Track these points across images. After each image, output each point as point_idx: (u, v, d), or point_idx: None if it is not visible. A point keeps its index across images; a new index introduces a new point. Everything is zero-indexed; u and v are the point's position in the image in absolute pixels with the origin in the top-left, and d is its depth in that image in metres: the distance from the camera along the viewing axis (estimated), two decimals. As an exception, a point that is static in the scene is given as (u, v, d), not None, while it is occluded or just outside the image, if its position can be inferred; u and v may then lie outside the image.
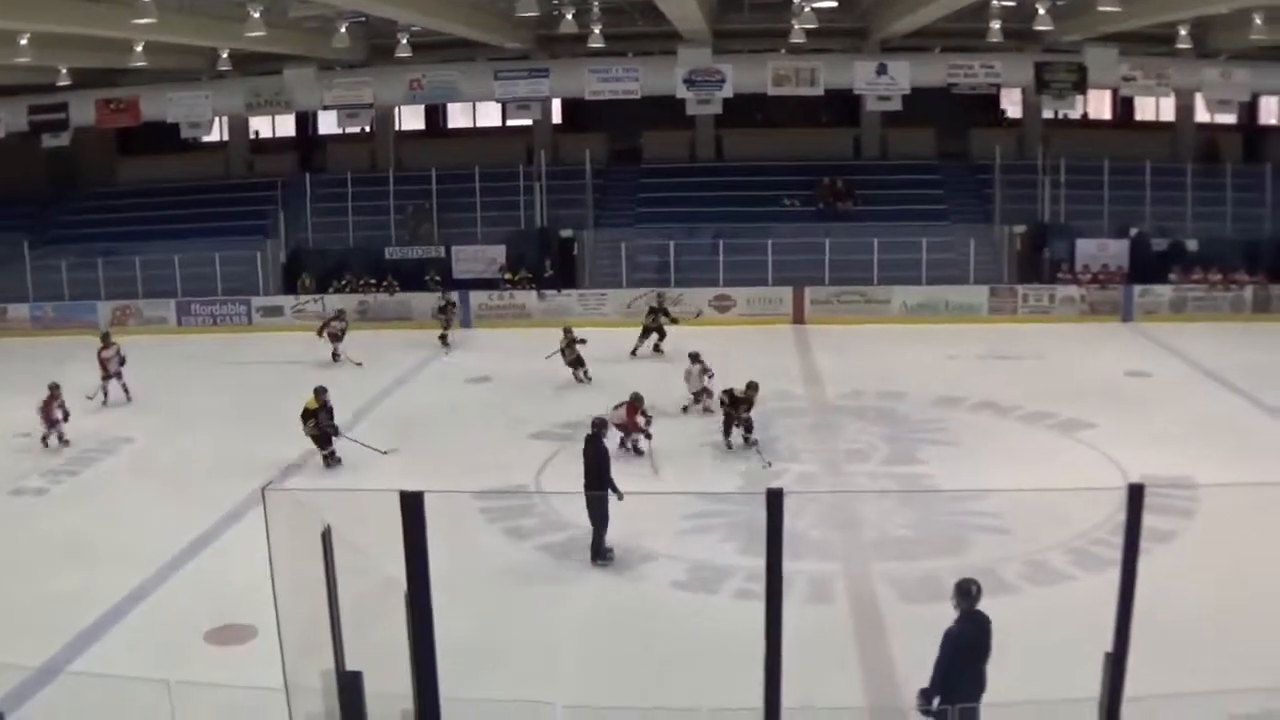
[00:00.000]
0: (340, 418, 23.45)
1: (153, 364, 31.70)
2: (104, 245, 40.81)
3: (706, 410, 25.45)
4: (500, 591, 16.75)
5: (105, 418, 27.19)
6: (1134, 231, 38.27)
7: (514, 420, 26.04)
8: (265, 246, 41.07)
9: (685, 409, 26.01)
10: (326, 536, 6.11)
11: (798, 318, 37.16)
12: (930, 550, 17.82)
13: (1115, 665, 6.13)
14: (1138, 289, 36.76)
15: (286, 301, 39.32)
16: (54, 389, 25.10)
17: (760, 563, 7.14)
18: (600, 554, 17.67)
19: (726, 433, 23.38)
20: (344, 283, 39.38)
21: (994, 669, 11.55)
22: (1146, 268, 37.56)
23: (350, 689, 6.30)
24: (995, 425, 24.88)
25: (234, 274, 39.83)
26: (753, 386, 23.38)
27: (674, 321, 32.94)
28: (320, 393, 22.89)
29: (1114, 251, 38.32)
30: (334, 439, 22.80)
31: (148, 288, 39.66)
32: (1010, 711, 11.04)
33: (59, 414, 25.09)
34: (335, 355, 32.50)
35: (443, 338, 34.92)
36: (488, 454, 23.43)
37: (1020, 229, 39.55)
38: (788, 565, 6.82)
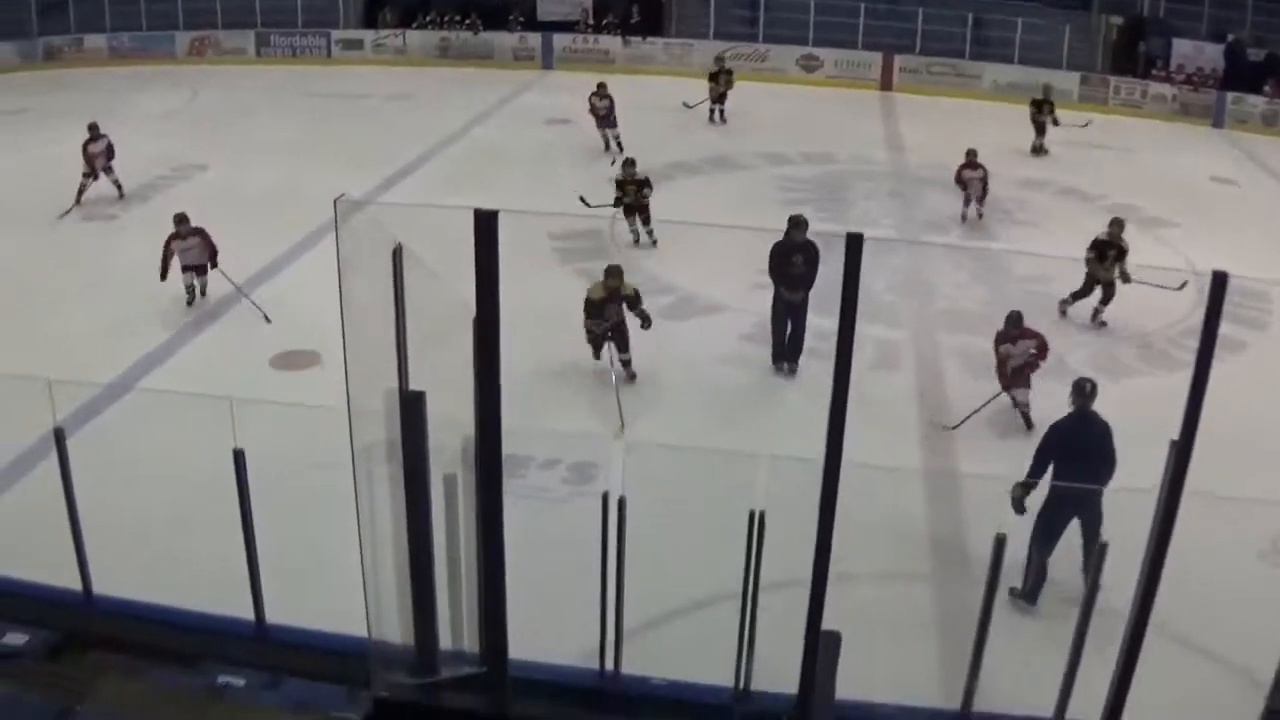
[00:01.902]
0: (416, 151, 23.22)
1: (229, 95, 31.55)
2: (182, -25, 40.18)
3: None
4: (563, 327, 16.73)
5: (179, 143, 27.14)
6: (1230, 38, 36.76)
7: (591, 163, 25.68)
8: (345, -21, 40.36)
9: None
10: (397, 253, 5.97)
11: (885, 85, 36.39)
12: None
13: (1180, 454, 5.97)
14: (1230, 96, 35.22)
15: (367, 36, 38.87)
16: (94, 130, 23.29)
17: (828, 324, 7.09)
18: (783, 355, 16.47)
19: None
20: (427, 19, 38.80)
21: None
22: (1240, 77, 36.00)
23: (413, 409, 6.22)
24: (1077, 212, 24.34)
25: (314, 6, 39.34)
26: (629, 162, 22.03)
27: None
28: None
29: (1210, 55, 36.69)
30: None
31: (227, 19, 39.15)
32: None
33: (101, 158, 23.18)
34: None
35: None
36: (567, 196, 23.10)
37: (1117, 20, 38.06)
38: (856, 328, 6.70)
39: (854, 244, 5.63)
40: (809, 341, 15.94)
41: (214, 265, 18.06)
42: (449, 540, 7.24)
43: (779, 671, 7.89)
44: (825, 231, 19.08)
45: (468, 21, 38.28)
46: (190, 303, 17.91)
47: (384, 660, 7.06)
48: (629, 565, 9.21)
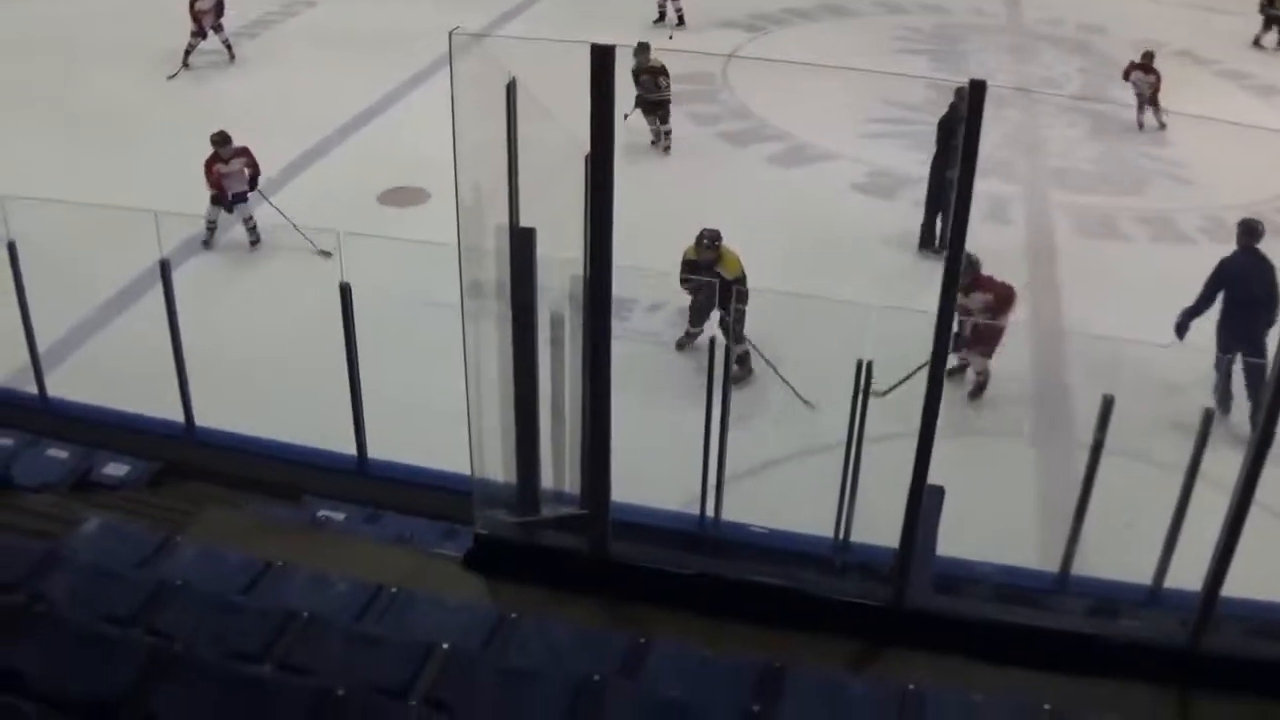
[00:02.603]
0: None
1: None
2: None
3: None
4: (675, 169, 16.53)
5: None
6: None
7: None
8: None
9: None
10: (511, 88, 5.84)
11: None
12: (1112, 189, 17.29)
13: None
14: None
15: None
16: None
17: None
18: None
19: None
20: None
21: (1157, 310, 11.30)
22: None
23: (522, 244, 6.14)
24: (1191, 77, 23.50)
25: None
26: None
27: None
28: None
29: None
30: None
31: None
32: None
33: (210, 15, 21.34)
34: None
35: None
36: (678, 37, 22.64)
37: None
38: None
39: (977, 91, 5.48)
40: (922, 193, 15.65)
41: (253, 188, 15.28)
42: (554, 380, 7.22)
43: (876, 525, 7.87)
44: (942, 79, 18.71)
45: None
46: (208, 243, 15.00)
47: (486, 498, 7.08)
48: (732, 412, 9.18)
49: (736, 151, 17.98)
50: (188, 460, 10.32)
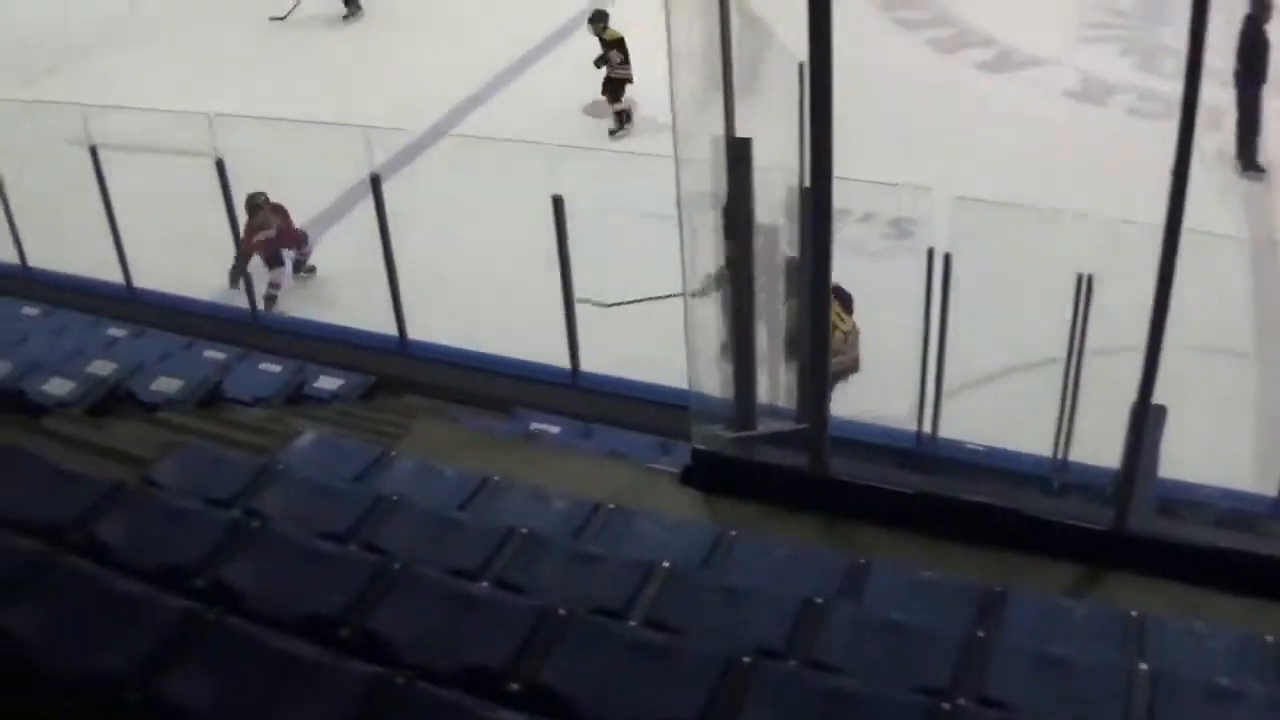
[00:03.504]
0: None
1: None
2: None
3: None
4: (883, 81, 16.09)
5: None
6: None
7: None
8: None
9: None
10: (723, -3, 5.67)
11: None
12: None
13: None
14: None
15: None
16: None
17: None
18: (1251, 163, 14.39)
19: None
20: None
21: None
22: None
23: (739, 155, 6.00)
24: None
25: None
26: None
27: None
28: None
29: None
30: None
31: None
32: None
33: None
34: None
35: None
36: None
37: None
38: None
39: None
40: (1134, 100, 15.09)
41: (303, 245, 12.98)
42: (768, 294, 7.08)
43: (1094, 443, 7.57)
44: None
45: None
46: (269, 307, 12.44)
47: (703, 413, 6.98)
48: (950, 325, 8.91)
49: (944, 60, 17.38)
50: (401, 373, 10.44)
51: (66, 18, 18.77)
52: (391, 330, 10.70)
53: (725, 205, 6.36)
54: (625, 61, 15.73)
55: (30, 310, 11.32)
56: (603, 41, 15.96)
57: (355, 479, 6.38)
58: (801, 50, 5.67)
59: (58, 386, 7.95)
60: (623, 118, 15.70)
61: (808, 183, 6.00)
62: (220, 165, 10.61)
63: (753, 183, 6.21)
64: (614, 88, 15.95)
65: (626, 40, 15.63)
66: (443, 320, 10.93)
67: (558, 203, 9.39)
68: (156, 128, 11.69)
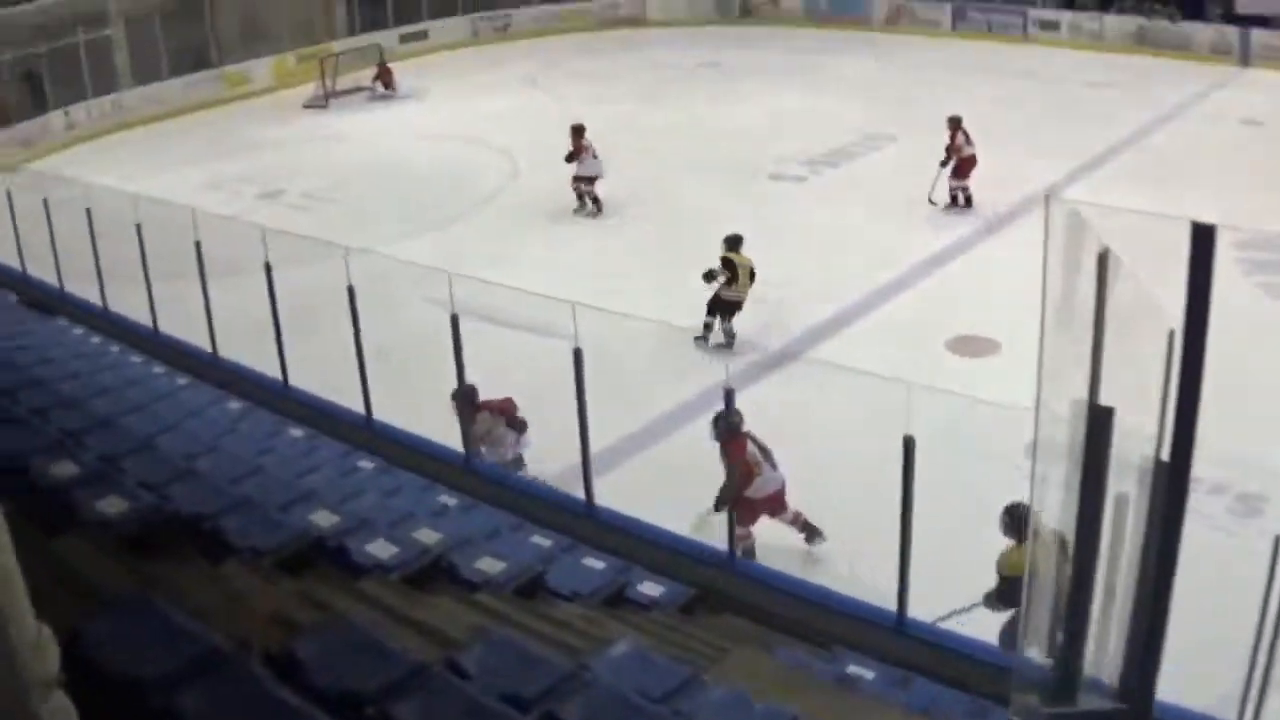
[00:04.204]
0: (1094, 151, 22.36)
1: (922, 66, 31.63)
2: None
3: None
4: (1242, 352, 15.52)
5: (871, 114, 27.36)
6: None
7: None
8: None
9: None
10: (1104, 257, 5.52)
11: None
12: None
13: None
14: None
15: (1063, 17, 37.89)
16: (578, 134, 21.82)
17: None
18: None
19: None
20: (1126, 2, 37.29)
21: None
22: None
23: (1101, 423, 5.76)
24: None
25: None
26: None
27: None
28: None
29: None
30: None
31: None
32: None
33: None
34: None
35: None
36: (1260, 207, 20.14)
37: None
38: None
39: None
40: None
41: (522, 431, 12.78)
42: (1109, 564, 6.77)
43: None
44: None
45: (1167, 8, 36.42)
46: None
47: (1025, 680, 6.67)
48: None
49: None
50: (725, 589, 10.32)
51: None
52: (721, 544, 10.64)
53: (1083, 472, 6.13)
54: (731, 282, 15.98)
55: (366, 463, 11.50)
56: (726, 261, 16.09)
57: (661, 698, 6.26)
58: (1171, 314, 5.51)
59: (382, 549, 7.95)
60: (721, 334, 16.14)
61: (1164, 452, 5.74)
62: (578, 354, 10.72)
63: (1111, 453, 5.97)
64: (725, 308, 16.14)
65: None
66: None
67: (908, 444, 9.16)
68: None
